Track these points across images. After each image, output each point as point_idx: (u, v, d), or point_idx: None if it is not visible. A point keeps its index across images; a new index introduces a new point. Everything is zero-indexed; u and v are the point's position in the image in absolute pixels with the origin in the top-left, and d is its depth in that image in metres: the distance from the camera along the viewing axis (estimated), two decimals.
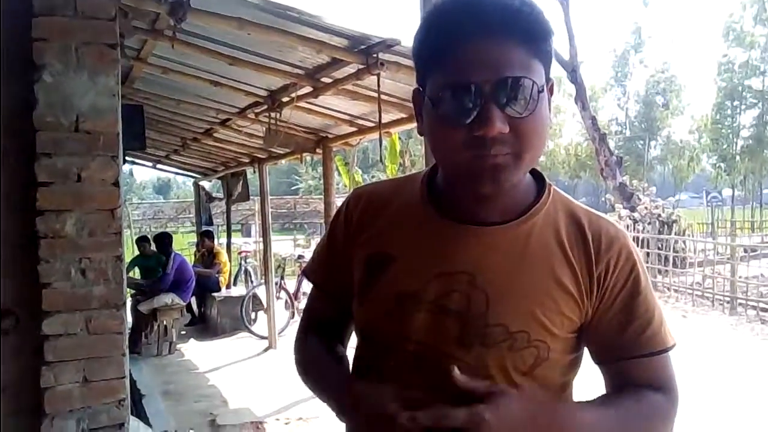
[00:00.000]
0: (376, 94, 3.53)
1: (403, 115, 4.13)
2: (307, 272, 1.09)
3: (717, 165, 37.33)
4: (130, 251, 9.90)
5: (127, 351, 2.57)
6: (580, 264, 0.88)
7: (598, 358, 0.94)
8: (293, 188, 41.70)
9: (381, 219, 0.96)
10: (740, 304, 9.22)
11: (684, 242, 12.17)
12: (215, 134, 6.25)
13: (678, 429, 0.94)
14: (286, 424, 4.56)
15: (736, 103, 35.90)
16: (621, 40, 50.95)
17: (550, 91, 0.86)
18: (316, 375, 1.05)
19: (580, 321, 0.89)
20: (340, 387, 0.94)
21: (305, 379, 1.07)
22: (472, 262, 0.86)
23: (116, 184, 2.47)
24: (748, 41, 34.18)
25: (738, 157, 35.52)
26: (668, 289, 10.72)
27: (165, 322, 6.84)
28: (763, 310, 8.83)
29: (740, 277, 9.63)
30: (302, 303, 8.55)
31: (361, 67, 3.27)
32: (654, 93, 40.14)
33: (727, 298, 9.44)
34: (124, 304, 2.54)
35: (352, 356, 1.02)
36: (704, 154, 39.23)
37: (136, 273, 7.78)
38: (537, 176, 0.94)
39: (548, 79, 0.84)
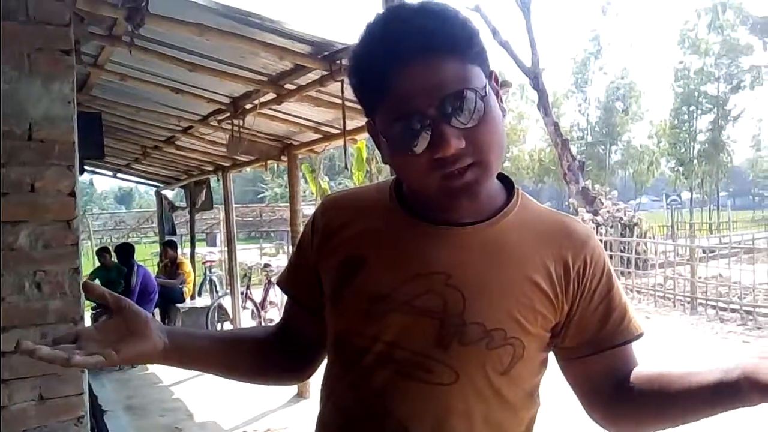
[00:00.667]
0: (340, 101, 3.51)
1: None
2: (280, 282, 1.09)
3: (675, 169, 38.39)
4: (90, 263, 9.68)
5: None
6: (552, 263, 0.89)
7: (579, 354, 0.93)
8: (259, 196, 41.35)
9: (350, 225, 0.95)
10: (700, 303, 9.46)
11: (645, 244, 12.44)
12: (177, 142, 6.14)
13: None
14: None
15: (692, 108, 37.00)
16: (580, 47, 52.10)
17: (496, 82, 0.85)
18: None
19: (554, 319, 0.90)
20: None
21: None
22: (446, 263, 0.86)
23: (72, 194, 2.40)
24: (703, 48, 35.32)
25: (695, 161, 36.60)
26: (631, 290, 10.92)
27: None
28: (722, 309, 9.07)
29: (700, 277, 9.88)
30: (269, 312, 8.47)
31: (324, 73, 3.25)
32: (614, 99, 41.08)
33: (688, 299, 9.67)
34: (83, 318, 2.47)
35: (323, 370, 1.00)
36: (663, 158, 40.28)
37: None
38: (504, 180, 0.95)
39: (490, 74, 0.84)
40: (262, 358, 1.04)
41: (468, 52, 0.80)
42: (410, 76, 0.77)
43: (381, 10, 0.85)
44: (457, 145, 0.77)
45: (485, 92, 0.80)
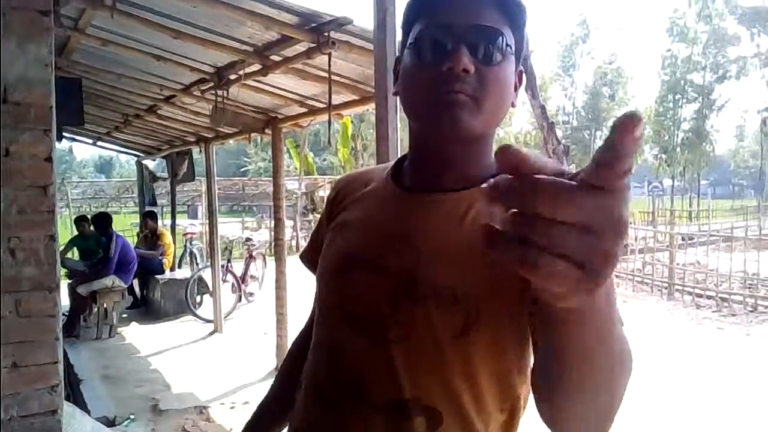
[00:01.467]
0: (326, 75, 3.46)
1: (355, 97, 4.07)
2: (303, 257, 1.14)
3: (659, 156, 38.68)
4: (68, 231, 9.55)
5: (61, 335, 2.46)
6: None
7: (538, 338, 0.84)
8: (242, 170, 41.03)
9: (350, 198, 1.02)
10: (677, 289, 9.60)
11: None
12: (159, 111, 6.03)
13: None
14: (231, 408, 4.49)
15: (678, 96, 37.19)
16: (568, 31, 51.90)
17: (519, 78, 0.92)
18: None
19: (518, 291, 0.77)
20: None
21: None
22: (412, 224, 0.89)
23: (49, 159, 2.34)
24: (691, 37, 35.41)
25: (678, 149, 36.90)
26: None
27: (105, 305, 6.62)
28: (698, 295, 9.22)
29: (678, 264, 10.02)
30: (249, 286, 8.45)
31: (311, 45, 3.19)
32: (601, 84, 41.13)
33: (665, 284, 9.81)
34: (58, 286, 2.43)
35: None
36: (647, 145, 40.54)
37: (74, 254, 7.50)
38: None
39: (518, 61, 0.90)
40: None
41: (514, 21, 0.87)
42: (464, 2, 0.85)
43: None
44: (466, 65, 0.81)
45: (510, 54, 0.87)
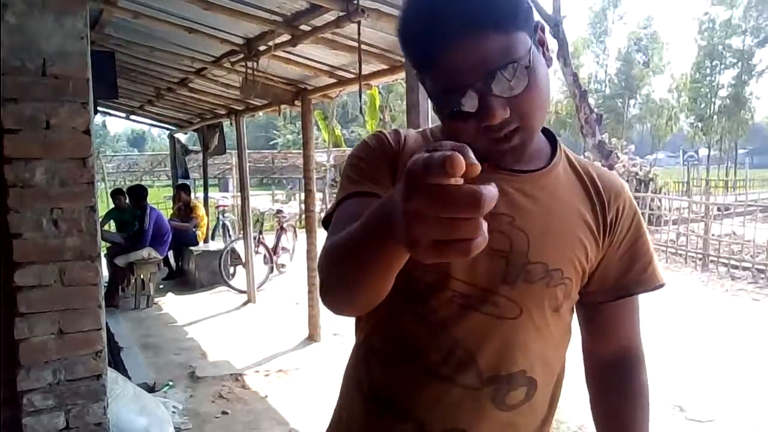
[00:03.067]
0: (356, 44, 3.43)
1: (384, 67, 4.04)
2: (346, 194, 0.92)
3: (694, 124, 37.73)
4: (104, 205, 9.76)
5: (103, 303, 2.54)
6: (598, 207, 0.97)
7: (599, 298, 1.01)
8: (271, 143, 41.22)
9: None
10: (712, 261, 9.43)
11: (660, 200, 12.34)
12: (190, 84, 6.07)
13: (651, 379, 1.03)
14: (266, 376, 4.59)
15: (715, 62, 36.08)
16: None
17: (542, 31, 0.87)
18: (347, 235, 0.73)
19: (595, 262, 0.97)
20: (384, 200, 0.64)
21: (337, 259, 0.77)
22: (509, 205, 0.90)
23: (87, 131, 2.39)
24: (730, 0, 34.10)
25: (715, 117, 35.91)
26: None
27: (142, 276, 6.79)
28: (734, 267, 9.05)
29: (713, 235, 9.82)
30: (281, 258, 8.56)
31: (341, 14, 3.17)
32: (635, 50, 40.03)
33: (700, 256, 9.64)
34: (99, 255, 2.50)
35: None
36: (683, 113, 39.51)
37: (111, 226, 7.68)
38: (545, 130, 1.02)
39: (535, 27, 0.85)
40: None
41: (513, 22, 0.81)
42: (455, 53, 0.79)
43: None
44: (502, 115, 0.81)
45: (529, 60, 0.81)
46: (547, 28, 0.95)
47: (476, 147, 0.77)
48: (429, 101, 2.22)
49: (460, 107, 0.82)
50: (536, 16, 0.87)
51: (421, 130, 1.04)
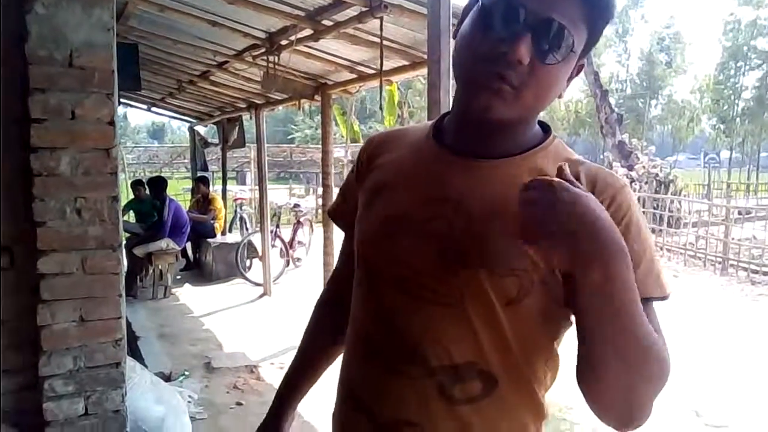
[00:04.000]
0: (378, 40, 3.43)
1: (405, 63, 4.04)
2: (330, 212, 1.15)
3: (716, 126, 37.20)
4: (124, 195, 9.86)
5: (123, 292, 2.57)
6: None
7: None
8: (289, 137, 41.35)
9: (387, 155, 1.00)
10: (731, 265, 9.31)
11: (680, 203, 12.21)
12: (212, 77, 6.12)
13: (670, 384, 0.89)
14: (280, 368, 4.62)
15: (740, 63, 35.52)
16: None
17: (578, 71, 0.88)
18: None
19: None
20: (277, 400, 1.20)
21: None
22: (460, 190, 0.88)
23: (112, 122, 2.42)
24: (757, 0, 33.53)
25: (738, 119, 35.38)
26: (661, 248, 10.79)
27: (160, 266, 6.86)
28: (754, 271, 8.93)
29: (733, 238, 9.70)
30: (297, 252, 8.60)
31: (363, 9, 3.17)
32: (658, 50, 39.55)
33: (719, 259, 9.52)
34: (121, 245, 2.53)
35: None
36: (705, 115, 38.99)
37: (131, 217, 7.76)
38: (544, 128, 0.96)
39: (582, 57, 0.87)
40: (339, 332, 1.08)
41: (594, 21, 0.83)
42: None
43: None
44: (522, 58, 0.79)
45: (572, 55, 0.83)
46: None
47: (474, 70, 0.84)
48: (450, 96, 2.20)
49: (500, 22, 0.81)
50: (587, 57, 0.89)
51: (396, 128, 1.12)
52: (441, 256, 0.86)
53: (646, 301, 0.82)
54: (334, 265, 1.22)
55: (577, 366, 0.82)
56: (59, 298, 2.37)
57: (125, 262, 6.52)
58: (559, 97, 0.89)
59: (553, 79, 0.84)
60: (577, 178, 0.83)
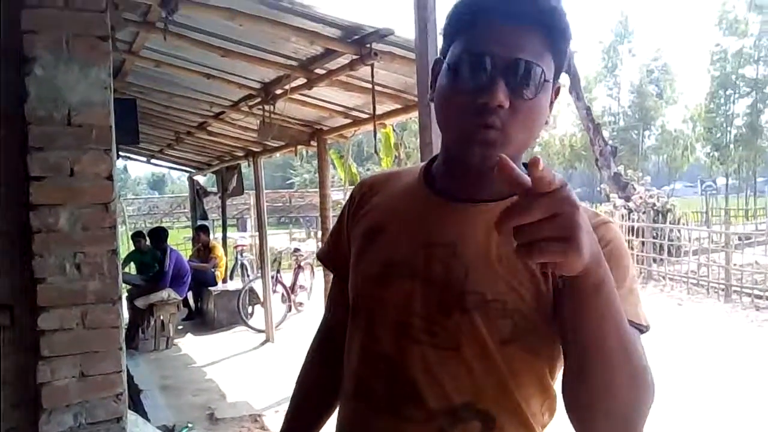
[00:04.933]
0: (370, 85, 3.51)
1: (398, 106, 4.12)
2: (319, 254, 1.17)
3: (711, 154, 37.48)
4: (125, 247, 9.88)
5: (123, 345, 2.56)
6: None
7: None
8: (288, 182, 41.62)
9: (379, 199, 1.02)
10: (735, 291, 9.27)
11: (679, 231, 12.21)
12: (209, 128, 6.22)
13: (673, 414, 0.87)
14: None
15: (729, 92, 36.00)
16: (609, 29, 50.83)
17: (556, 94, 0.92)
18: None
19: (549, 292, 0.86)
20: None
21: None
22: (455, 235, 0.90)
23: (110, 177, 2.46)
24: (741, 29, 34.25)
25: (732, 146, 35.68)
26: (663, 277, 10.75)
27: (162, 317, 6.83)
28: (758, 297, 8.88)
29: (735, 264, 9.67)
30: (299, 296, 8.57)
31: (354, 57, 3.25)
32: (647, 82, 40.16)
33: (722, 286, 9.48)
34: (120, 298, 2.53)
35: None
36: (698, 143, 39.31)
37: (132, 268, 7.76)
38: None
39: (555, 81, 0.90)
40: (334, 376, 1.11)
41: (555, 45, 0.86)
42: (502, 27, 0.84)
43: None
44: (501, 102, 0.82)
45: (547, 85, 0.86)
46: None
47: (458, 125, 0.88)
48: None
49: (473, 72, 0.84)
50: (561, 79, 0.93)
51: (387, 170, 1.15)
52: (439, 301, 0.88)
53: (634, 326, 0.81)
54: (322, 316, 1.21)
55: (566, 381, 0.81)
56: (59, 355, 2.36)
57: (126, 314, 6.51)
58: (546, 123, 0.92)
59: (536, 111, 0.87)
60: None
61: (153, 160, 9.54)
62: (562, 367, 0.85)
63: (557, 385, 0.93)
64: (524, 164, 0.97)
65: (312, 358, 1.22)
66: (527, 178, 0.62)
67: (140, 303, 6.81)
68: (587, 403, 0.79)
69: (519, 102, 0.84)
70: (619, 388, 0.76)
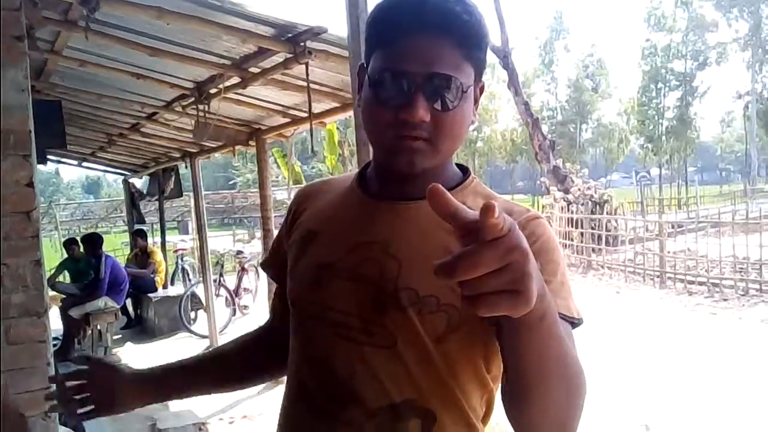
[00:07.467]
0: (305, 84, 3.46)
1: (336, 105, 4.08)
2: (263, 265, 1.18)
3: (645, 146, 38.99)
4: (58, 254, 9.50)
5: (52, 360, 2.45)
6: None
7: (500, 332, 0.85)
8: (231, 182, 40.94)
9: (314, 206, 1.04)
10: (669, 278, 9.67)
11: (616, 221, 12.64)
12: (142, 129, 6.01)
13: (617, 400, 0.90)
14: (230, 423, 4.47)
15: (660, 85, 37.53)
16: (544, 26, 52.10)
17: (480, 91, 0.93)
18: None
19: None
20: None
21: None
22: (387, 233, 0.91)
23: (31, 184, 2.34)
24: (669, 25, 35.76)
25: (664, 138, 37.22)
26: (602, 266, 11.12)
27: (99, 327, 6.58)
28: (690, 282, 9.29)
29: (668, 252, 10.09)
30: (243, 299, 8.43)
31: (289, 56, 3.20)
32: (583, 77, 41.39)
33: (657, 273, 9.87)
34: (47, 311, 2.42)
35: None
36: (633, 135, 40.84)
37: (66, 277, 7.45)
38: (463, 170, 1.01)
39: (478, 81, 0.91)
40: (250, 355, 1.17)
41: (471, 53, 0.87)
42: (417, 42, 0.84)
43: None
44: (422, 117, 0.84)
45: (467, 93, 0.87)
46: (497, 62, 0.97)
47: (383, 138, 0.89)
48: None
49: (392, 91, 0.85)
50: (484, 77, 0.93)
51: (323, 179, 1.16)
52: (373, 299, 0.88)
53: (567, 320, 0.83)
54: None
55: (507, 394, 0.81)
56: None
57: (60, 325, 6.24)
58: (472, 123, 0.93)
59: (460, 119, 0.88)
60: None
61: (85, 164, 9.18)
62: (501, 370, 0.85)
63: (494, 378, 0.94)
64: (458, 165, 1.01)
65: (240, 339, 1.23)
66: (463, 211, 0.58)
67: (75, 313, 6.53)
68: (525, 413, 0.80)
69: (441, 114, 0.85)
70: (557, 399, 0.78)
